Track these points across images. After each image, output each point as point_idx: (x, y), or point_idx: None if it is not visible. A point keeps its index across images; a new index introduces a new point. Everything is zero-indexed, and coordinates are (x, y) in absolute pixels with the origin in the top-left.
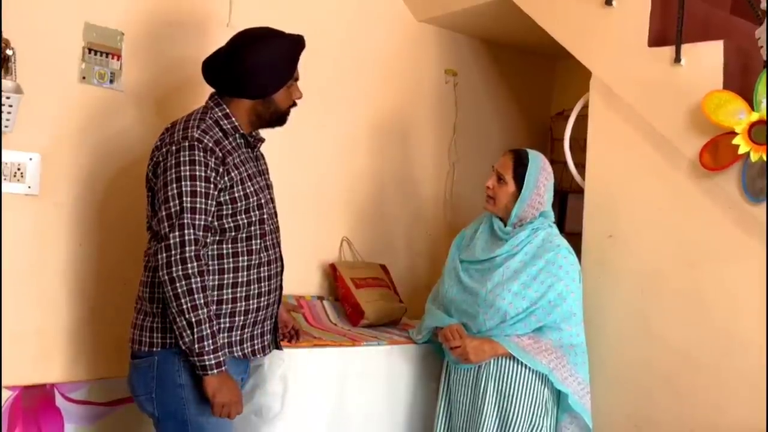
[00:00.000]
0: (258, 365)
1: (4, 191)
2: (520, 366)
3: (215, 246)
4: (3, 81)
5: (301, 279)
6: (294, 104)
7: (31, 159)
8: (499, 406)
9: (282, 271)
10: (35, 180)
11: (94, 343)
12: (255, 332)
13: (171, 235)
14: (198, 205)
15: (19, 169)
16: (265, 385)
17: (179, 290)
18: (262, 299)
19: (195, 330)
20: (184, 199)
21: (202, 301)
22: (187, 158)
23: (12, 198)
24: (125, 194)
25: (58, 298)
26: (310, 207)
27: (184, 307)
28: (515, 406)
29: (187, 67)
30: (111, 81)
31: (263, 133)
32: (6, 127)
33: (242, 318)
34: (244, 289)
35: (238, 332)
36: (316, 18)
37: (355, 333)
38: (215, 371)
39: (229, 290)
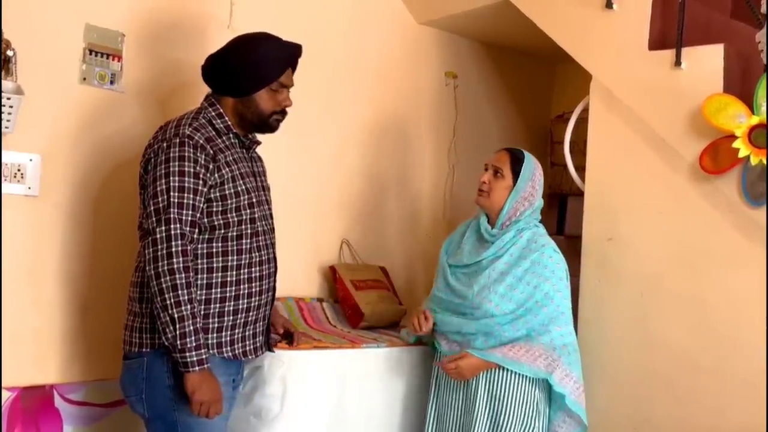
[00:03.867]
0: (257, 367)
1: (5, 192)
2: (510, 370)
3: (205, 245)
4: (4, 82)
5: (300, 281)
6: (282, 111)
7: (31, 160)
8: (490, 409)
9: (275, 272)
10: (35, 181)
11: (92, 344)
12: (246, 333)
13: (158, 229)
14: (186, 201)
15: (19, 170)
16: (265, 387)
17: (164, 285)
18: (253, 299)
19: (178, 326)
20: (172, 194)
21: (186, 297)
22: (176, 154)
23: (12, 199)
24: (124, 196)
25: (57, 298)
26: (310, 209)
27: (168, 302)
28: (507, 409)
29: (187, 69)
30: (111, 82)
31: (260, 136)
32: (6, 128)
33: (231, 318)
34: (233, 288)
35: (228, 332)
36: (317, 20)
37: (355, 335)
38: (196, 368)
39: (218, 289)
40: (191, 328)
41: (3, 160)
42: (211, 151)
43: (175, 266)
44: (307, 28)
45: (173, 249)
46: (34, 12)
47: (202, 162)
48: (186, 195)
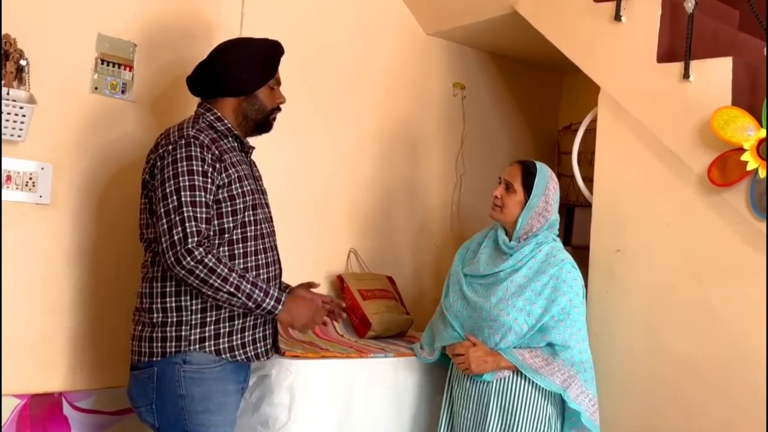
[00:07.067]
0: (265, 375)
1: (16, 200)
2: (523, 382)
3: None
4: (17, 91)
5: None
6: (278, 109)
7: (42, 168)
8: (502, 422)
9: (280, 274)
10: (47, 189)
11: (101, 351)
12: (257, 335)
13: (174, 231)
14: (198, 199)
15: (30, 179)
16: (272, 396)
17: (201, 275)
18: None
19: (239, 294)
20: (183, 194)
21: (226, 270)
22: (184, 154)
23: (23, 207)
24: (135, 204)
25: (67, 306)
26: (318, 218)
27: (216, 285)
28: (519, 422)
29: None
30: (123, 91)
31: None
32: (19, 136)
33: (242, 321)
34: None
35: (239, 335)
36: (327, 30)
37: (362, 344)
38: (279, 307)
39: None
40: (249, 286)
41: (15, 169)
42: (217, 152)
43: (199, 257)
44: (317, 38)
45: (190, 245)
46: (47, 22)
47: (209, 161)
48: (197, 193)
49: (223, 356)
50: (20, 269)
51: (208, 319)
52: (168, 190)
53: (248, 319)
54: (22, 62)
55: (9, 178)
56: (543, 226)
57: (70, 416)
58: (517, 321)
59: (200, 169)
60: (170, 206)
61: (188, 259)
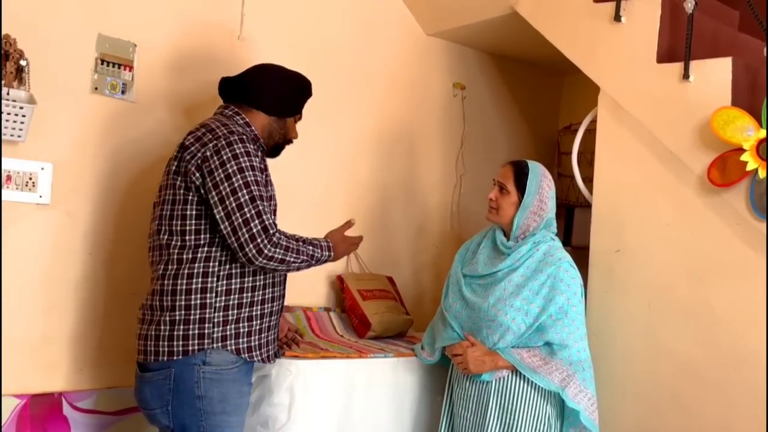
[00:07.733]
0: (265, 375)
1: (16, 200)
2: (522, 381)
3: (228, 251)
4: (17, 91)
5: (308, 290)
6: (291, 141)
7: (42, 168)
8: (502, 422)
9: (285, 279)
10: (47, 189)
11: (102, 351)
12: (269, 337)
13: (252, 224)
14: (263, 193)
15: (30, 179)
16: (272, 396)
17: (282, 258)
18: (274, 304)
19: (309, 259)
20: (253, 188)
21: (294, 243)
22: (242, 150)
23: (23, 207)
24: (136, 204)
25: (68, 306)
26: (318, 218)
27: (292, 260)
28: (518, 422)
29: (198, 79)
30: (123, 92)
31: None
32: (19, 136)
33: (258, 322)
34: (260, 293)
35: (256, 336)
36: (327, 30)
37: (362, 345)
38: (332, 254)
39: (249, 294)
40: (310, 248)
41: (15, 169)
42: (258, 152)
43: (277, 241)
44: (317, 39)
45: (270, 232)
46: (47, 22)
47: (260, 157)
48: (261, 188)
49: (242, 356)
50: (20, 269)
51: (230, 318)
52: (237, 185)
53: (264, 320)
54: (22, 62)
55: (9, 178)
56: (539, 225)
57: (70, 416)
58: (515, 321)
59: (257, 165)
60: (242, 200)
61: (270, 246)
